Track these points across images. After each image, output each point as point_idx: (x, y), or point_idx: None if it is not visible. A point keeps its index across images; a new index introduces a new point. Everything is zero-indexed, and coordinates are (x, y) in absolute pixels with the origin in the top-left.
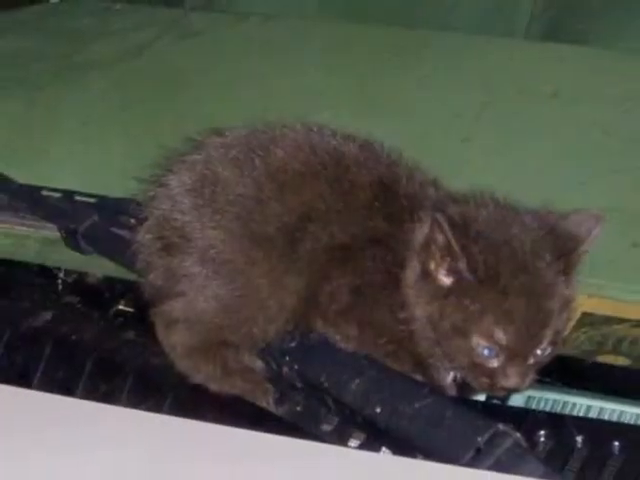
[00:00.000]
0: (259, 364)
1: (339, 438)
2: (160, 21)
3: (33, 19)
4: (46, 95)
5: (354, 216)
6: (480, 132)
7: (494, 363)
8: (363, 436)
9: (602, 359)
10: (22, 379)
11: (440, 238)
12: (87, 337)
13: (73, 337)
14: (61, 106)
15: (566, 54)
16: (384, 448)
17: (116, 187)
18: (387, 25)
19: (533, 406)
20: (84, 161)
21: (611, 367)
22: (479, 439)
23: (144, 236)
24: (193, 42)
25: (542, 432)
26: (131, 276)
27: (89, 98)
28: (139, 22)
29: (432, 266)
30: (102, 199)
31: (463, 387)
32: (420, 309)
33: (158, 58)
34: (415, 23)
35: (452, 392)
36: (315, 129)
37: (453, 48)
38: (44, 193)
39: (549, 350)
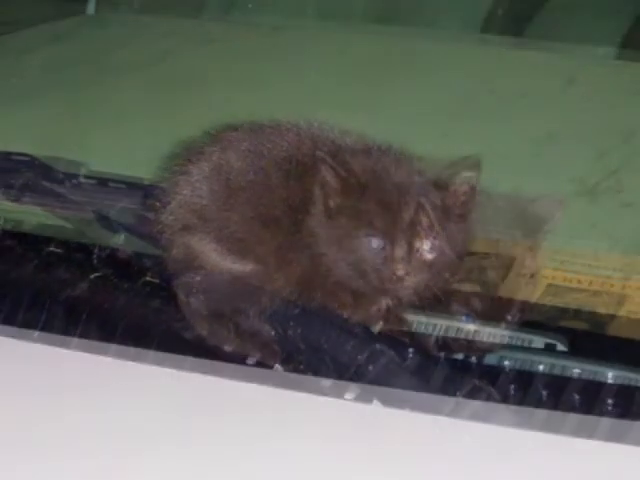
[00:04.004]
0: (267, 328)
1: (337, 392)
2: (181, 30)
3: (72, 29)
4: (83, 96)
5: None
6: (457, 128)
7: (383, 253)
8: (357, 390)
9: (565, 324)
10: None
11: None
12: (118, 305)
13: (106, 305)
14: (96, 106)
15: (534, 60)
16: (375, 400)
17: (144, 175)
18: (378, 35)
19: (505, 364)
20: (116, 153)
21: (573, 331)
22: (458, 393)
23: (167, 217)
24: (210, 49)
25: (512, 387)
26: (156, 252)
27: (120, 99)
28: (163, 31)
29: None
30: (131, 185)
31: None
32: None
33: (180, 63)
34: (403, 33)
35: (377, 323)
36: (316, 125)
37: (435, 55)
38: (81, 180)
39: (441, 260)
